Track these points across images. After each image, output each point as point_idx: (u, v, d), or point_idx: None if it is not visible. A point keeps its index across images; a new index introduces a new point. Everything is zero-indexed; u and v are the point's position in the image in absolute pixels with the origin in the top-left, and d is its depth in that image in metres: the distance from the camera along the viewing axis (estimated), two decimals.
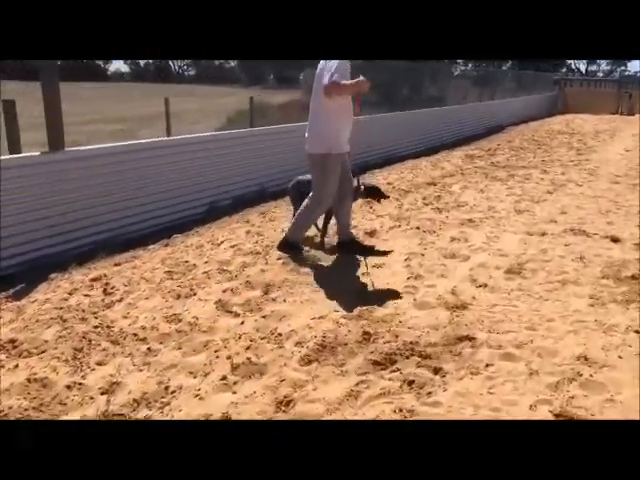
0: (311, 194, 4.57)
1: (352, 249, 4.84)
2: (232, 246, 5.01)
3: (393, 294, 4.02)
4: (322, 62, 4.17)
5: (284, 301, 3.87)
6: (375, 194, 5.33)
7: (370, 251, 4.85)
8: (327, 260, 4.71)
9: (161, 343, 3.30)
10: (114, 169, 5.44)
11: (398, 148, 11.01)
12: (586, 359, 3.08)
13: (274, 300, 3.88)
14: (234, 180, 7.01)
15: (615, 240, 5.36)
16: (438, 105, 13.78)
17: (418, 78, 14.63)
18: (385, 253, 4.86)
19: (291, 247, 4.67)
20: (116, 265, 4.65)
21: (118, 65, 67.68)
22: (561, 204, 6.88)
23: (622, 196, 7.31)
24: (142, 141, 6.06)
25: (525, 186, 7.93)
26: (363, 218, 6.16)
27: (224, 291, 3.99)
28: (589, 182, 8.30)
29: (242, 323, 3.53)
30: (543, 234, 5.60)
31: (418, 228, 5.77)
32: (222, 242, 5.15)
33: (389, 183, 8.04)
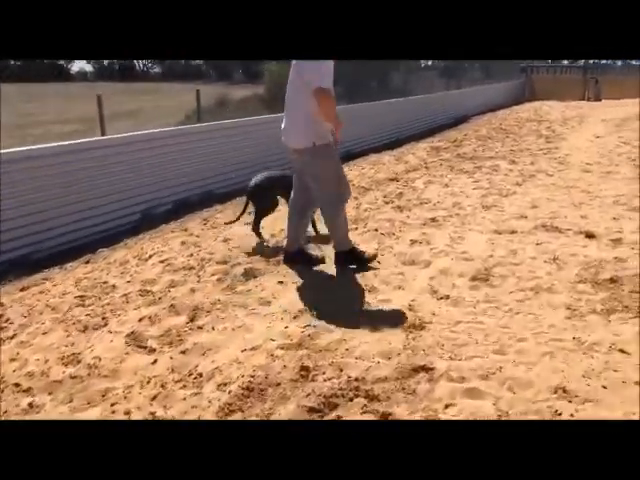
0: (320, 195, 3.94)
1: (302, 260, 4.26)
2: (162, 261, 4.38)
3: (342, 313, 3.44)
4: None
5: (212, 329, 3.27)
6: None
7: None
8: (269, 271, 4.12)
9: (49, 394, 2.67)
10: (32, 174, 4.76)
11: (360, 142, 10.44)
12: (565, 391, 2.55)
13: (200, 328, 3.28)
14: (175, 182, 6.35)
15: (590, 236, 4.88)
16: (403, 96, 13.26)
17: (382, 69, 14.07)
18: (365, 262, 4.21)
19: (354, 256, 4.17)
20: (22, 290, 3.98)
21: (82, 65, 65.88)
22: (531, 197, 6.39)
23: (595, 185, 6.86)
24: (64, 143, 5.37)
25: (493, 178, 7.44)
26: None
27: (141, 319, 3.37)
28: (560, 172, 7.85)
29: (154, 362, 2.92)
30: (512, 232, 5.09)
31: (376, 230, 5.21)
32: (151, 256, 4.52)
33: (348, 181, 7.44)
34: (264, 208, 4.73)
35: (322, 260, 4.29)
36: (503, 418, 2.38)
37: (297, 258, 4.22)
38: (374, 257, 4.28)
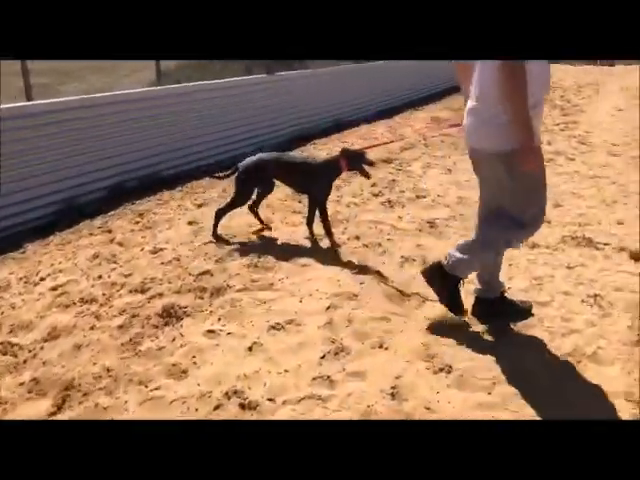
0: (507, 212, 2.62)
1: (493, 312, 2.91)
2: (54, 287, 3.15)
3: (290, 400, 2.24)
4: None
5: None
6: (357, 163, 3.75)
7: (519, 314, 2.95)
8: (199, 310, 2.90)
9: None
10: None
11: (350, 109, 9.05)
12: None
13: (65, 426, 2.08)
14: (109, 163, 5.02)
15: (636, 258, 3.65)
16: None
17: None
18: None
19: (503, 306, 2.90)
20: None
21: None
22: (552, 190, 5.07)
23: (626, 175, 5.60)
24: None
25: None
26: (282, 222, 4.30)
27: None
28: (582, 154, 6.57)
29: None
30: (534, 246, 3.87)
31: (357, 238, 3.98)
32: (43, 278, 3.28)
33: None
34: (240, 197, 3.88)
35: (529, 310, 2.97)
36: None
37: (496, 309, 2.87)
38: (530, 307, 2.99)
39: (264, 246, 3.84)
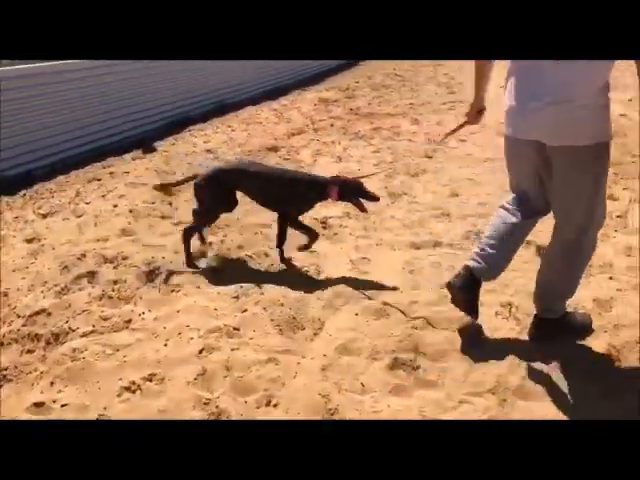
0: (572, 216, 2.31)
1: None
2: None
3: None
4: None
5: None
6: (353, 195, 3.15)
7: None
8: None
9: None
10: None
11: (235, 90, 8.27)
12: None
13: None
14: None
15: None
16: None
17: None
18: None
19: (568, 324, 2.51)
20: None
21: None
22: (448, 176, 4.81)
23: None
24: None
25: (395, 146, 5.79)
26: (149, 230, 3.55)
27: None
28: (473, 135, 6.31)
29: None
30: (436, 244, 3.47)
31: (241, 248, 3.37)
32: None
33: (209, 150, 5.41)
34: (208, 207, 3.20)
35: (590, 324, 2.56)
36: None
37: (560, 328, 2.48)
38: (590, 324, 2.58)
39: (123, 265, 3.09)
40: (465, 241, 3.52)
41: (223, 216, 3.92)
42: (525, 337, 2.49)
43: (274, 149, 5.59)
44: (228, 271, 3.09)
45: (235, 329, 2.52)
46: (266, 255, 3.31)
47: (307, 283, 2.98)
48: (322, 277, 3.08)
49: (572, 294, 2.48)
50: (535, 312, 2.51)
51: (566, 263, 2.36)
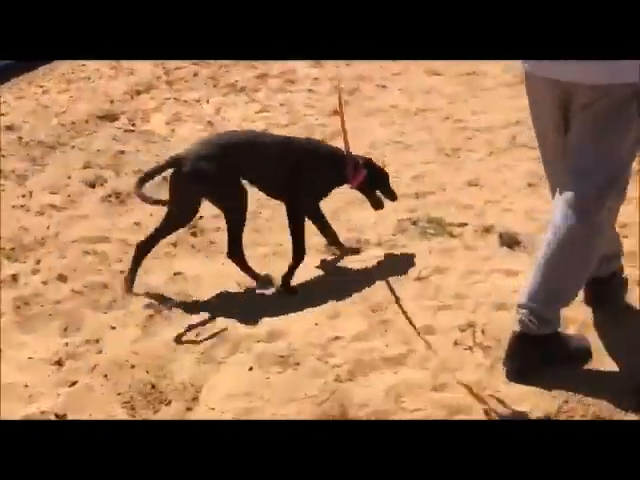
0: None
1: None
2: None
3: None
4: None
5: None
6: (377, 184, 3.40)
7: None
8: None
9: None
10: None
11: None
12: None
13: None
14: None
15: (512, 243, 3.36)
16: None
17: None
18: None
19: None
20: None
21: None
22: (367, 140, 4.71)
23: (461, 103, 5.44)
24: None
25: (290, 100, 5.66)
26: None
27: None
28: (395, 77, 6.31)
29: None
30: (359, 247, 3.38)
31: (63, 280, 3.13)
32: None
33: (9, 128, 4.95)
34: (181, 211, 3.14)
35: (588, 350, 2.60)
36: None
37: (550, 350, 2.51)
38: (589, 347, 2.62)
39: None
40: (400, 236, 3.44)
41: (33, 227, 3.61)
42: (501, 380, 2.40)
43: (110, 117, 5.25)
44: (41, 319, 2.79)
45: (59, 416, 2.25)
46: (106, 286, 3.04)
47: (169, 326, 2.81)
48: (194, 315, 2.87)
49: (574, 297, 2.54)
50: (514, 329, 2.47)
51: (574, 249, 2.39)
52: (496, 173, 4.19)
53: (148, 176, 3.07)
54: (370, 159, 3.39)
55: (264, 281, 3.08)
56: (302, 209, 3.18)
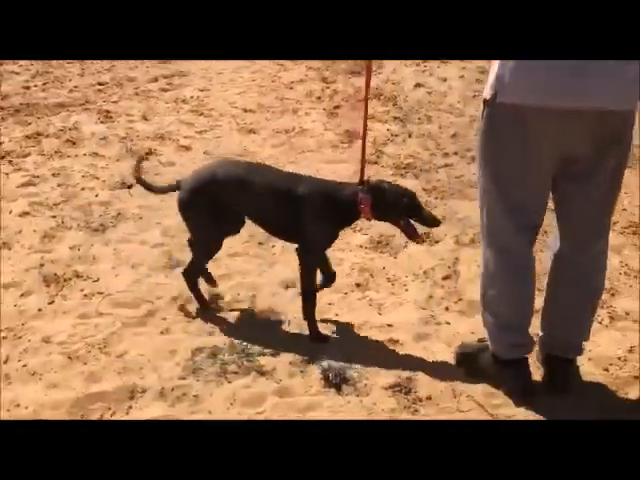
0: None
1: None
2: None
3: None
4: None
5: None
6: (400, 213, 2.97)
7: None
8: None
9: None
10: None
11: None
12: None
13: None
14: None
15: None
16: None
17: None
18: None
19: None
20: None
21: None
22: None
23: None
24: None
25: (67, 168, 4.57)
26: None
27: None
28: (203, 134, 5.37)
29: None
30: None
31: None
32: None
33: None
34: (206, 236, 3.24)
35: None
36: None
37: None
38: None
39: None
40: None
41: None
42: None
43: None
44: None
45: None
46: None
47: None
48: None
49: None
50: None
51: (589, 292, 2.65)
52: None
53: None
54: (378, 181, 3.01)
55: (209, 307, 3.25)
56: (314, 260, 3.09)
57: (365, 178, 2.97)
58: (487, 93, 2.37)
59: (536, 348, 2.75)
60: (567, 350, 2.69)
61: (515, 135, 2.36)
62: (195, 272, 3.25)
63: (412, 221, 2.91)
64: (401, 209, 2.90)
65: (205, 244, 3.21)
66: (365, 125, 2.89)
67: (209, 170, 3.19)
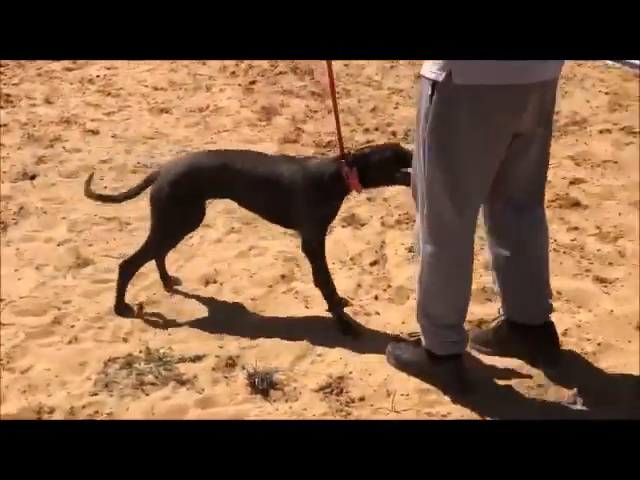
0: None
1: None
2: None
3: None
4: None
5: None
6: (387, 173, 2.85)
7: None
8: None
9: None
10: None
11: None
12: None
13: None
14: None
15: None
16: None
17: None
18: None
19: None
20: None
21: None
22: None
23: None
24: None
25: None
26: None
27: None
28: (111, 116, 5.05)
29: None
30: None
31: None
32: None
33: None
34: (166, 233, 3.09)
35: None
36: None
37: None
38: None
39: None
40: None
41: None
42: None
43: None
44: None
45: None
46: None
47: None
48: None
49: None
50: None
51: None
52: None
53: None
54: (358, 150, 3.01)
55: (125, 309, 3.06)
56: (308, 236, 2.97)
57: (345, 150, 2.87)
58: (437, 75, 2.21)
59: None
60: (540, 315, 2.68)
61: (473, 117, 2.24)
62: (135, 267, 3.08)
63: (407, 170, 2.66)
64: (390, 168, 2.75)
65: (166, 239, 3.07)
66: (337, 119, 2.86)
67: (190, 161, 3.08)
